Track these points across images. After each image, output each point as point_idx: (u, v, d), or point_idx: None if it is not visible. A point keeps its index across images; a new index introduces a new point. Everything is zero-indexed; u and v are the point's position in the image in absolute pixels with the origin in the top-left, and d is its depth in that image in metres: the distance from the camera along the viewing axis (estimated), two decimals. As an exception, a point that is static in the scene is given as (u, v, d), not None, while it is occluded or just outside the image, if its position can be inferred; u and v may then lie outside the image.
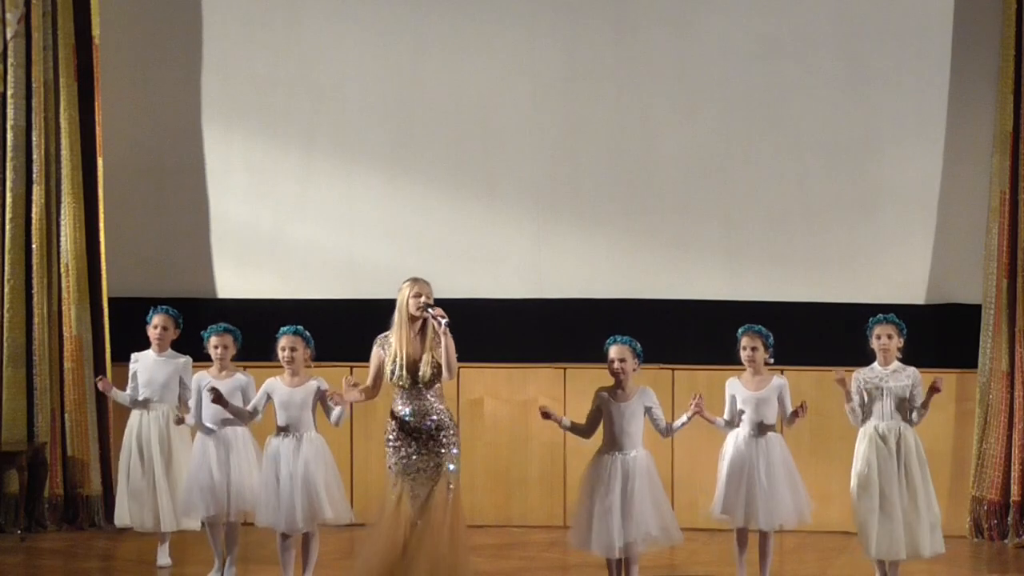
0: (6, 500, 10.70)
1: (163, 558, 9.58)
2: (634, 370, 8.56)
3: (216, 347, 9.01)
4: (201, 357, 9.19)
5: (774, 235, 10.87)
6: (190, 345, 9.33)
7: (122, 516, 9.62)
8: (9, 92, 10.79)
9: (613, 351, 8.57)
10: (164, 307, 9.66)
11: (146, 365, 9.55)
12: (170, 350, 9.58)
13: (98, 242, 10.97)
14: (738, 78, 10.87)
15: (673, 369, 10.76)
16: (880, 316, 8.78)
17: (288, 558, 8.74)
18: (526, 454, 10.98)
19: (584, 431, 8.71)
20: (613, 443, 8.56)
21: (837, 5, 10.81)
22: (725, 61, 10.88)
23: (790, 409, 8.83)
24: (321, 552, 8.83)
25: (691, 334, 10.85)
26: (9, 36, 10.77)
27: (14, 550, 10.17)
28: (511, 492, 11.00)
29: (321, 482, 8.60)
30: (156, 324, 9.55)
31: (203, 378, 9.00)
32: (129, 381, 9.58)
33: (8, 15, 10.75)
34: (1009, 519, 10.34)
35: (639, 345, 8.57)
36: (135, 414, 9.57)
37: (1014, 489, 10.32)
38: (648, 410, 8.58)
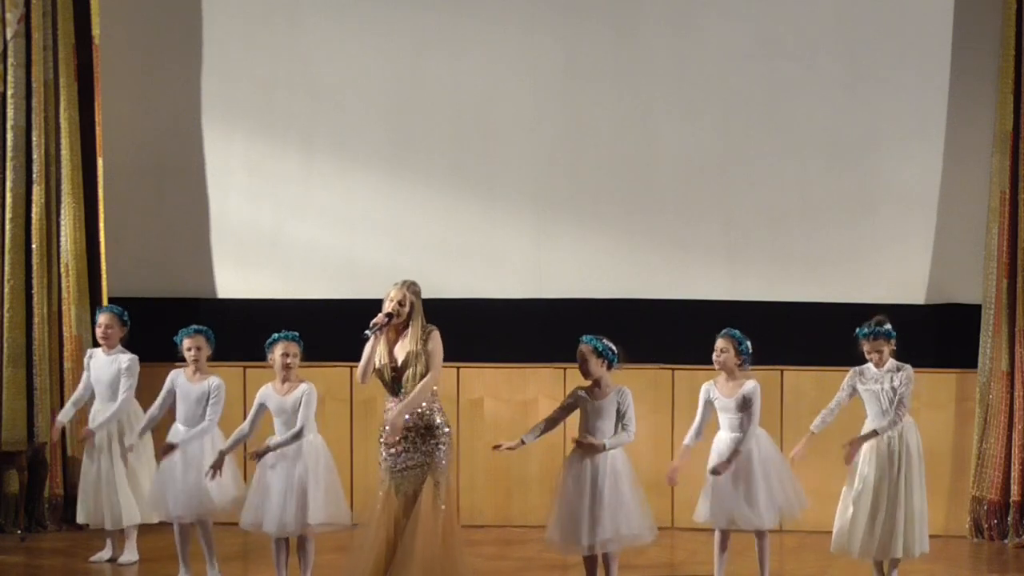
0: (6, 500, 10.70)
1: (129, 554, 9.73)
2: (607, 368, 8.42)
3: (189, 349, 9.04)
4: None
5: (774, 235, 10.87)
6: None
7: (80, 513, 9.87)
8: (9, 92, 10.79)
9: (577, 352, 8.51)
10: (109, 306, 9.98)
11: (96, 364, 9.75)
12: (119, 346, 9.75)
13: (98, 242, 10.98)
14: (738, 78, 10.87)
15: (673, 369, 10.76)
16: (864, 330, 8.66)
17: (281, 560, 8.71)
18: (526, 454, 10.91)
19: (543, 427, 8.61)
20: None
21: (837, 5, 10.81)
22: (725, 61, 10.88)
23: (757, 412, 8.66)
24: (319, 552, 8.82)
25: (691, 334, 10.82)
26: (9, 36, 10.76)
27: (14, 550, 10.17)
28: (511, 492, 11.00)
29: (313, 486, 8.53)
30: (100, 323, 9.73)
31: (178, 377, 9.08)
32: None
33: (8, 15, 10.75)
34: (1009, 519, 10.34)
35: (603, 342, 8.43)
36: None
37: (1014, 489, 10.32)
38: (619, 412, 8.42)
